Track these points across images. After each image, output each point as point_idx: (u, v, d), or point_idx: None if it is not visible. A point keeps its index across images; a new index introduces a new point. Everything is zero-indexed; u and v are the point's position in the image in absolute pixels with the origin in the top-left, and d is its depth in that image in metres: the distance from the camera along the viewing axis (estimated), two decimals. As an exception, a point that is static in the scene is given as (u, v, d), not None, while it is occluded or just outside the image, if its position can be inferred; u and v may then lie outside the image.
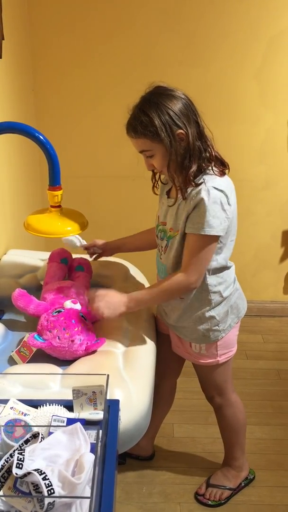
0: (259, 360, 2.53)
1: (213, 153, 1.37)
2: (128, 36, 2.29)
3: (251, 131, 2.47)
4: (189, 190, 1.34)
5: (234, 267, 1.54)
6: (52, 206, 1.38)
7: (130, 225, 2.63)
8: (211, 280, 1.45)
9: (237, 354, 1.64)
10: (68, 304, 1.37)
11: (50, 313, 1.34)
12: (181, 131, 1.30)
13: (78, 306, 1.38)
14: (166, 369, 1.72)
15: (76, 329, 1.30)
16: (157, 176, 1.50)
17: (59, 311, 1.34)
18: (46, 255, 1.77)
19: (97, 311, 1.35)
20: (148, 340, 1.43)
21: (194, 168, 1.33)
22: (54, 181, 1.33)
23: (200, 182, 1.33)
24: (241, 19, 2.26)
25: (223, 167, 1.39)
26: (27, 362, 1.29)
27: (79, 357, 1.31)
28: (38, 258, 1.75)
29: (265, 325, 2.82)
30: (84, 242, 1.58)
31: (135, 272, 1.76)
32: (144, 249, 1.66)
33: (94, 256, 1.68)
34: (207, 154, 1.36)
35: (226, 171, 1.41)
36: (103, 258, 1.71)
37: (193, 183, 1.33)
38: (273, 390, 2.34)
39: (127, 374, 1.26)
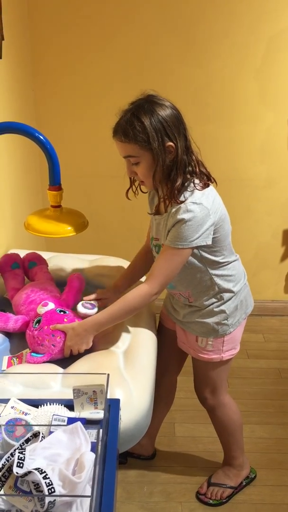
0: (260, 359, 2.53)
1: (197, 168, 1.36)
2: (127, 36, 2.29)
3: (251, 130, 2.47)
4: (172, 205, 1.34)
5: (240, 260, 1.55)
6: (52, 206, 1.38)
7: (130, 225, 2.64)
8: (219, 280, 1.47)
9: (238, 353, 1.64)
10: (42, 309, 1.35)
11: (31, 328, 1.33)
12: (171, 143, 1.30)
13: (51, 306, 1.36)
14: (168, 365, 1.73)
15: None
16: (136, 183, 1.47)
17: (38, 321, 1.33)
18: (46, 254, 1.77)
19: (74, 351, 1.32)
20: (148, 338, 1.43)
21: (179, 182, 1.33)
22: (54, 181, 1.33)
23: (181, 200, 1.32)
24: (241, 18, 2.26)
25: (207, 180, 1.38)
26: None
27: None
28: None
29: (266, 324, 2.82)
30: (95, 306, 1.46)
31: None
32: (147, 271, 1.60)
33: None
34: (191, 169, 1.36)
35: (213, 184, 1.40)
36: (102, 258, 1.71)
37: (178, 200, 1.32)
38: (274, 389, 2.34)
39: (128, 373, 1.26)
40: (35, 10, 2.23)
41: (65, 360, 1.32)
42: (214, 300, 1.49)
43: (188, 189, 1.34)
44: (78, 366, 1.27)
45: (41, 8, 2.24)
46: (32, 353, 1.29)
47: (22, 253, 1.67)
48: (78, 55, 2.33)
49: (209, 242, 1.36)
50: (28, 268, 1.60)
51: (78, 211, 1.44)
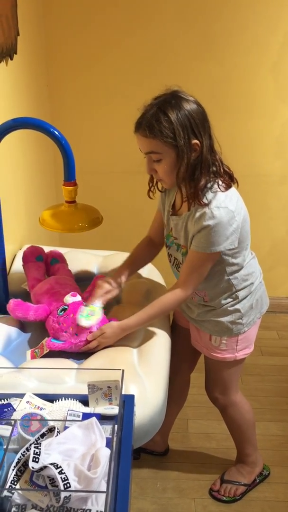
0: (274, 357, 2.51)
1: (221, 168, 1.34)
2: (143, 32, 2.28)
3: (267, 126, 2.45)
4: (196, 208, 1.32)
5: (256, 258, 1.54)
6: (67, 202, 1.38)
7: (144, 221, 2.62)
8: (236, 281, 1.45)
9: (252, 351, 1.63)
10: (69, 299, 1.36)
11: (56, 315, 1.34)
12: (196, 141, 1.27)
13: (79, 298, 1.37)
14: (181, 363, 1.72)
15: None
16: (154, 181, 1.44)
17: (64, 309, 1.34)
18: (61, 250, 1.77)
19: (99, 347, 1.33)
20: (162, 335, 1.43)
21: (203, 182, 1.30)
22: (69, 177, 1.32)
23: (205, 202, 1.30)
24: (258, 13, 2.23)
25: (230, 181, 1.36)
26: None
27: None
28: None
29: (281, 321, 2.80)
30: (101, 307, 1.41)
31: (150, 268, 1.76)
32: (148, 262, 1.63)
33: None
34: (215, 169, 1.33)
35: (234, 185, 1.38)
36: (116, 253, 1.70)
37: (201, 201, 1.30)
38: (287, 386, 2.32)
39: (142, 369, 1.26)
40: (50, 5, 2.23)
41: (79, 355, 1.32)
42: (229, 299, 1.48)
43: (211, 190, 1.31)
44: (92, 361, 1.28)
45: (56, 3, 2.23)
46: (52, 339, 1.29)
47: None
48: (93, 50, 2.32)
49: (236, 245, 1.36)
50: (50, 264, 1.61)
51: (92, 207, 1.44)
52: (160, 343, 1.40)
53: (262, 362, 2.47)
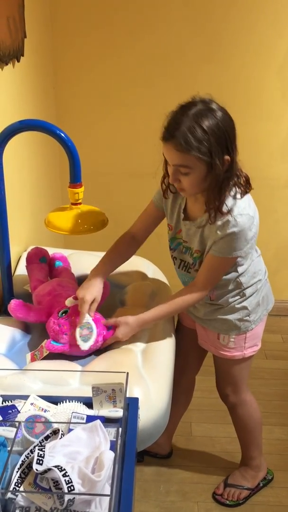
0: (278, 360, 2.51)
1: (242, 177, 1.32)
2: (150, 34, 2.28)
3: (274, 128, 2.44)
4: (215, 215, 1.31)
5: (261, 255, 1.55)
6: (72, 204, 1.38)
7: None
8: (244, 279, 1.46)
9: (256, 354, 1.63)
10: (71, 301, 1.35)
11: (56, 317, 1.33)
12: (228, 157, 1.25)
13: None
14: (186, 364, 1.73)
15: None
16: (166, 181, 1.41)
17: (65, 312, 1.34)
18: (65, 252, 1.78)
19: (119, 339, 1.35)
20: (166, 338, 1.43)
21: (227, 193, 1.30)
22: (75, 178, 1.32)
23: (226, 210, 1.29)
24: (265, 16, 2.23)
25: (247, 186, 1.35)
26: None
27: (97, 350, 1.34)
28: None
29: (285, 324, 2.79)
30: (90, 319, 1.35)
31: (154, 270, 1.76)
32: (129, 257, 1.56)
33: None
34: (236, 178, 1.31)
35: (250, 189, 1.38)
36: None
37: (223, 211, 1.29)
38: (292, 390, 2.31)
39: (146, 372, 1.26)
40: (57, 7, 2.23)
41: (84, 357, 1.32)
42: (237, 297, 1.48)
43: (230, 197, 1.31)
44: (96, 364, 1.27)
45: (63, 5, 2.24)
46: (52, 341, 1.29)
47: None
48: (99, 53, 2.32)
49: (254, 247, 1.38)
50: (53, 266, 1.61)
51: (98, 209, 1.44)
52: (165, 346, 1.40)
53: (267, 366, 2.46)
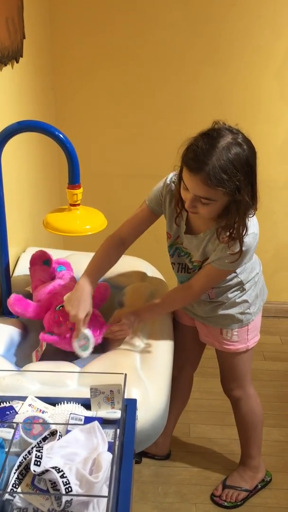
0: (277, 362, 2.50)
1: (257, 204, 1.31)
2: (149, 37, 2.28)
3: (272, 131, 2.44)
4: (221, 235, 1.31)
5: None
6: (71, 205, 1.38)
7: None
8: (243, 276, 1.48)
9: (254, 355, 1.64)
10: None
11: (54, 310, 1.35)
12: (251, 189, 1.25)
13: None
14: (185, 360, 1.74)
15: None
16: (180, 205, 1.38)
17: (62, 306, 1.35)
18: (64, 253, 1.77)
19: (122, 332, 1.37)
20: (165, 339, 1.43)
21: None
22: (74, 180, 1.33)
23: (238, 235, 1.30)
24: (263, 18, 2.23)
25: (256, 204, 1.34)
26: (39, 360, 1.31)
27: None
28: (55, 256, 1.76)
29: (284, 326, 2.79)
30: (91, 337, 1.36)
31: (152, 271, 1.76)
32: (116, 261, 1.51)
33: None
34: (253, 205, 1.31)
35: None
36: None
37: (240, 236, 1.29)
38: (290, 392, 2.31)
39: (144, 373, 1.26)
40: (56, 8, 2.24)
41: (82, 358, 1.32)
42: (236, 292, 1.50)
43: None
44: (94, 365, 1.27)
45: (62, 6, 2.24)
46: (47, 332, 1.32)
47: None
48: (98, 54, 2.33)
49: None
50: (56, 270, 1.62)
51: (96, 210, 1.44)
52: (163, 347, 1.40)
53: (265, 367, 2.46)
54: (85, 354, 1.32)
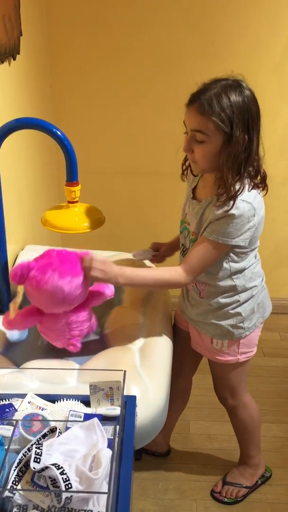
0: (276, 358, 2.51)
1: (260, 175, 1.31)
2: (146, 33, 2.28)
3: (270, 126, 2.42)
4: (218, 196, 1.29)
5: (260, 261, 1.52)
6: (69, 202, 1.37)
7: (147, 222, 2.63)
8: (239, 281, 1.43)
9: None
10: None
11: None
12: (247, 137, 1.25)
13: None
14: (182, 366, 1.71)
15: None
16: (187, 163, 1.41)
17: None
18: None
19: (88, 274, 1.25)
20: (164, 336, 1.43)
21: (238, 179, 1.27)
22: (72, 177, 1.32)
23: (232, 194, 1.27)
24: (260, 14, 2.23)
25: (260, 183, 1.34)
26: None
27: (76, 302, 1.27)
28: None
29: (283, 322, 2.79)
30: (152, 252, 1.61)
31: (151, 266, 1.76)
32: None
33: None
34: (251, 168, 1.30)
35: (262, 191, 1.36)
36: (118, 254, 1.70)
37: (230, 193, 1.26)
38: (290, 388, 2.32)
39: (144, 370, 1.26)
40: (53, 5, 2.23)
41: (81, 355, 1.32)
42: (229, 300, 1.45)
43: (240, 183, 1.29)
44: (94, 362, 1.27)
45: (59, 3, 2.23)
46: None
47: (40, 248, 1.67)
48: (96, 51, 2.32)
49: (247, 244, 1.34)
50: None
51: (95, 207, 1.44)
52: (162, 344, 1.40)
53: (265, 364, 2.46)
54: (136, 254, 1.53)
